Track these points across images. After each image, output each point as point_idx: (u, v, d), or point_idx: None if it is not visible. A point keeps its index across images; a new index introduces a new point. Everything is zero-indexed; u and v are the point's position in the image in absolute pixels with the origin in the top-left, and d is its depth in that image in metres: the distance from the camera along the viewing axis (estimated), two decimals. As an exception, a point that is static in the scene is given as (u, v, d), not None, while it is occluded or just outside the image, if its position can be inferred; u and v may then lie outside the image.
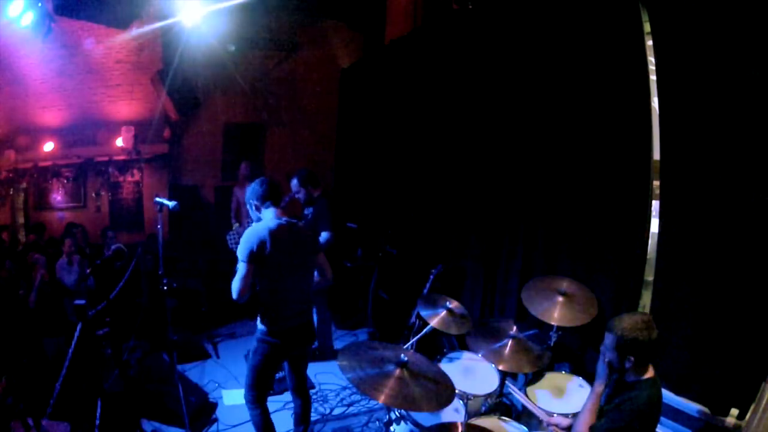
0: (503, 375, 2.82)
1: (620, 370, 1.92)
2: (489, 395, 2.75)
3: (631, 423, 1.85)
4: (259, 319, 2.67)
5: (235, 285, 2.47)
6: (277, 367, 2.90)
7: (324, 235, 4.04)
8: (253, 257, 2.47)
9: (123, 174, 6.81)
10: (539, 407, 2.44)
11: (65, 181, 6.59)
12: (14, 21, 4.89)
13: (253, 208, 2.73)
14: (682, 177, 2.58)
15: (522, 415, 2.77)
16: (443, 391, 2.07)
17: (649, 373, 1.91)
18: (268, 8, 6.51)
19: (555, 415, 2.38)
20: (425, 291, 3.93)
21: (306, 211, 4.26)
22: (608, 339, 1.93)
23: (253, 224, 2.64)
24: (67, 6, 4.93)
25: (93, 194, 6.77)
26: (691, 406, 2.48)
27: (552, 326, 2.96)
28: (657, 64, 2.70)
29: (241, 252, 2.49)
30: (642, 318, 1.90)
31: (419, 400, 1.97)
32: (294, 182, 4.13)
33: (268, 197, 2.67)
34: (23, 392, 3.08)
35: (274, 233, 2.53)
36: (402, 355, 2.10)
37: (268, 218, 2.64)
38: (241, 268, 2.48)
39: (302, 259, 2.70)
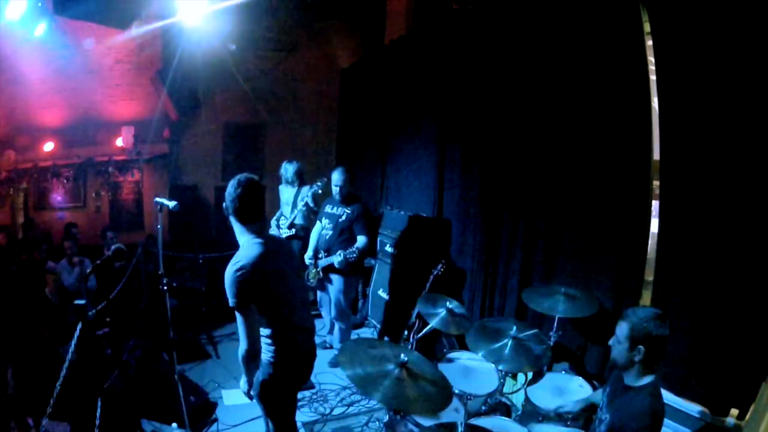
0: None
1: (627, 363, 1.90)
2: (489, 395, 2.75)
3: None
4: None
5: None
6: None
7: (361, 240, 4.01)
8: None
9: (123, 174, 6.83)
10: None
11: (65, 181, 6.59)
12: (14, 21, 4.89)
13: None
14: (682, 177, 2.58)
15: (522, 415, 2.77)
16: (441, 395, 2.04)
17: (649, 378, 1.88)
18: (268, 8, 6.51)
19: None
20: (425, 291, 3.93)
21: (338, 211, 4.14)
22: (621, 328, 1.92)
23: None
24: (67, 6, 4.92)
25: (93, 194, 6.78)
26: (691, 406, 2.48)
27: (552, 326, 2.96)
28: (657, 64, 2.70)
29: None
30: (657, 313, 1.92)
31: (416, 402, 1.97)
32: (343, 177, 4.04)
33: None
34: (23, 392, 3.07)
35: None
36: (402, 355, 2.09)
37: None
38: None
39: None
